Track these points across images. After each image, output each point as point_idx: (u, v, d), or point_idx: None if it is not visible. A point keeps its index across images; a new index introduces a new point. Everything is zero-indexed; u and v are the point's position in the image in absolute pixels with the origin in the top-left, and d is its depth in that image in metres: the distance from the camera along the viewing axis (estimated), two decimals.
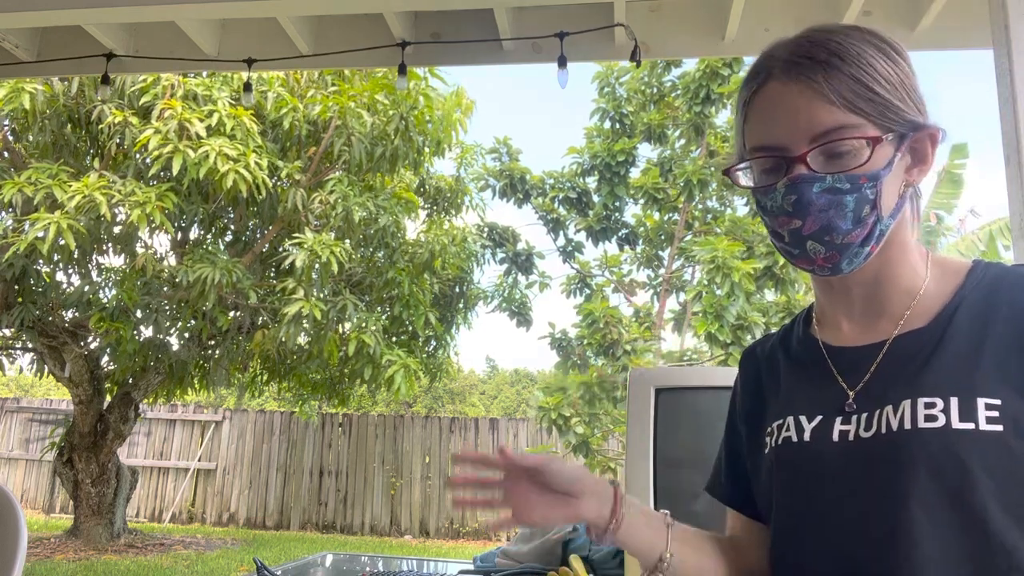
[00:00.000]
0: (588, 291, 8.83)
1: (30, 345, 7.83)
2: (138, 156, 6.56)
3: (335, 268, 6.67)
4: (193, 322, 7.38)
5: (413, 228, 8.29)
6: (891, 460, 0.80)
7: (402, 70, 3.05)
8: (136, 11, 2.66)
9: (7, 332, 7.68)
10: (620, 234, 9.02)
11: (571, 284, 8.99)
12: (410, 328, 8.09)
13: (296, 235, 6.83)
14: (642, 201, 8.60)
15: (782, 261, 7.37)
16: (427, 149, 7.57)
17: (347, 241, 7.29)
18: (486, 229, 9.25)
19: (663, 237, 8.76)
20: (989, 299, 0.85)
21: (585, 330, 7.73)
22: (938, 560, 0.76)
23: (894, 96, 0.84)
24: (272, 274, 7.99)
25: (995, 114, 1.91)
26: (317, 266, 6.78)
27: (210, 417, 11.44)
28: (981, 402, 0.77)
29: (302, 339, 7.27)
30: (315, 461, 11.08)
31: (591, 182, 9.00)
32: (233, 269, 6.64)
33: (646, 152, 8.91)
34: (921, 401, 0.80)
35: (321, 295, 7.12)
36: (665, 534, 0.92)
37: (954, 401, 0.78)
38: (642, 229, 8.86)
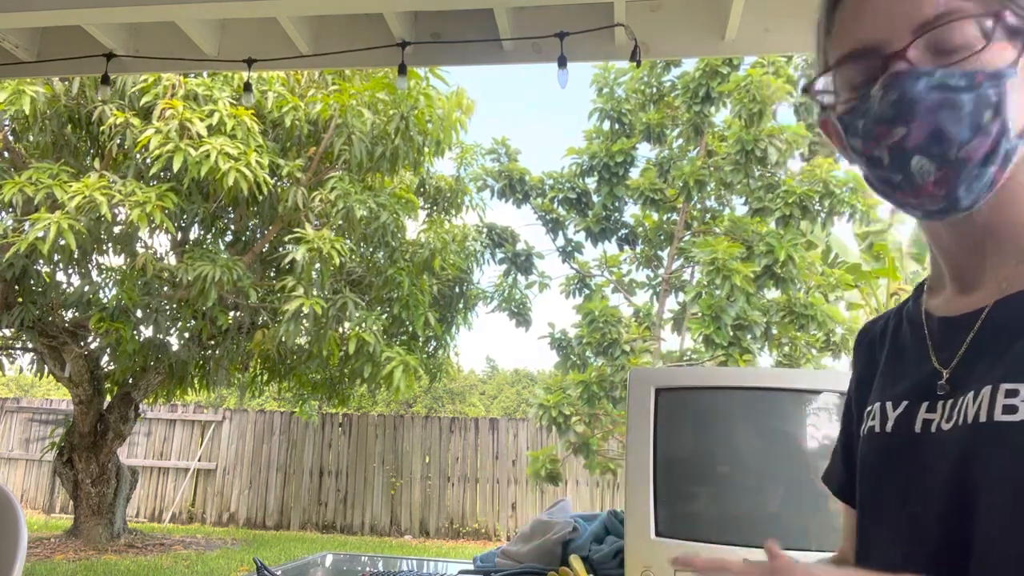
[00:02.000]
0: (588, 291, 8.84)
1: (30, 345, 7.84)
2: (138, 156, 6.57)
3: (336, 263, 6.67)
4: (193, 322, 7.38)
5: (413, 228, 8.30)
6: (959, 460, 0.69)
7: (402, 70, 3.05)
8: (136, 11, 2.66)
9: (7, 332, 7.68)
10: (619, 234, 9.03)
11: (571, 284, 8.99)
12: (410, 328, 8.09)
13: (297, 230, 6.84)
14: (640, 201, 8.61)
15: (782, 258, 7.35)
16: (427, 149, 7.58)
17: (347, 240, 7.29)
18: (485, 229, 9.25)
19: (662, 237, 8.77)
20: None
21: (584, 330, 7.74)
22: (1005, 551, 0.65)
23: None
24: (272, 274, 7.99)
25: None
26: (318, 265, 6.78)
27: (210, 417, 11.44)
28: None
29: (302, 338, 7.27)
30: (315, 461, 11.08)
31: (590, 182, 9.01)
32: (233, 267, 6.65)
33: (645, 152, 8.92)
34: (1003, 388, 0.66)
35: (321, 293, 7.12)
36: None
37: None
38: (641, 229, 8.87)
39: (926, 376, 0.77)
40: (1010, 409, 0.65)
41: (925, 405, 0.75)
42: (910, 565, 0.71)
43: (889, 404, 0.79)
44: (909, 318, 0.85)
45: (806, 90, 0.79)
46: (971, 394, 0.70)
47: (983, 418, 0.67)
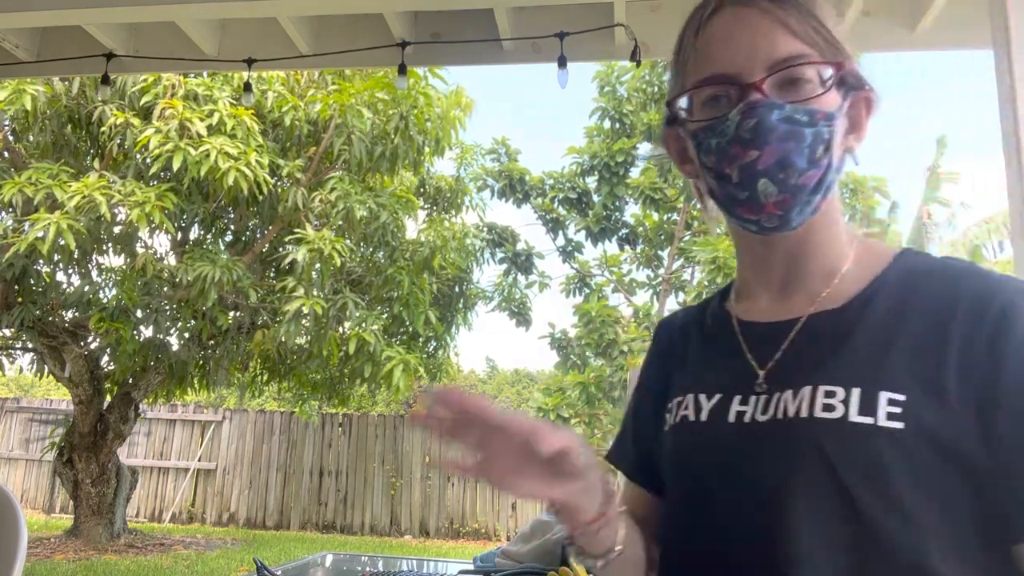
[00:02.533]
0: (588, 291, 8.85)
1: (30, 345, 7.84)
2: (138, 156, 6.57)
3: (336, 263, 6.68)
4: (193, 322, 7.38)
5: (413, 228, 8.30)
6: (781, 447, 0.76)
7: (402, 70, 3.06)
8: (136, 11, 2.66)
9: (7, 332, 7.68)
10: (620, 234, 9.03)
11: (571, 284, 9.00)
12: (410, 328, 8.09)
13: (297, 231, 6.84)
14: (641, 201, 8.61)
15: None
16: (427, 149, 7.58)
17: (347, 240, 7.30)
18: (485, 229, 9.25)
19: (663, 237, 8.77)
20: (910, 290, 0.79)
21: (583, 330, 7.74)
22: (815, 554, 0.72)
23: (840, 38, 0.80)
24: (272, 274, 7.99)
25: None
26: (318, 265, 6.78)
27: (210, 417, 11.44)
28: (884, 396, 0.72)
29: (302, 338, 7.27)
30: (315, 461, 11.08)
31: (591, 182, 9.00)
32: (233, 267, 6.65)
33: (646, 152, 8.92)
34: (822, 389, 0.75)
35: (321, 293, 7.12)
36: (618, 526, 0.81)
37: (855, 392, 0.73)
38: (641, 229, 8.87)
39: (741, 373, 0.84)
40: (828, 408, 0.74)
41: (738, 398, 0.83)
42: (730, 548, 0.78)
43: (703, 396, 0.86)
44: (717, 319, 0.93)
45: (668, 104, 0.86)
46: (790, 392, 0.78)
47: (804, 413, 0.75)
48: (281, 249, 7.30)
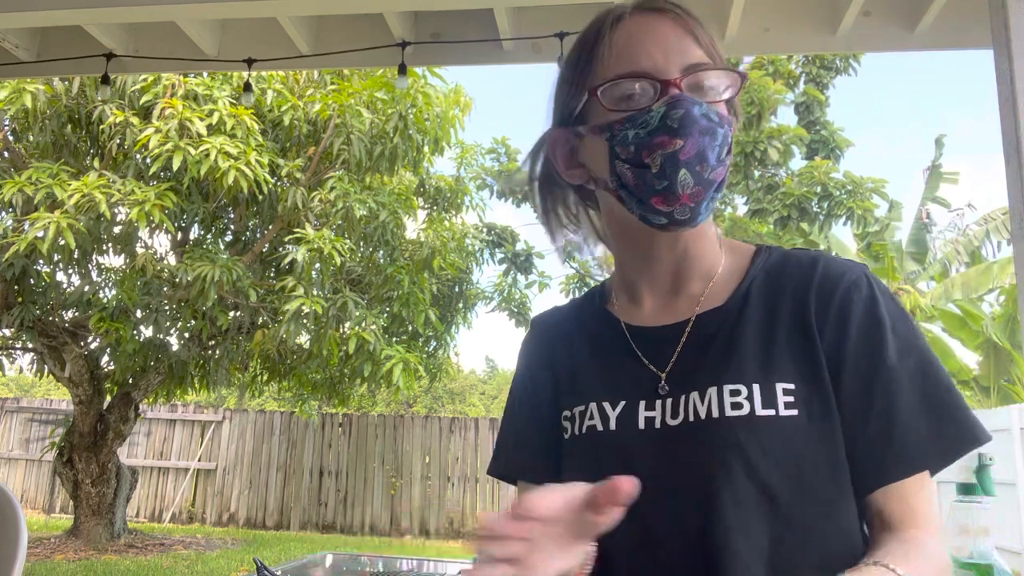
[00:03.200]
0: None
1: (30, 345, 7.83)
2: (138, 156, 6.57)
3: (336, 262, 6.67)
4: (193, 322, 7.38)
5: (413, 228, 8.30)
6: (700, 448, 0.79)
7: (402, 70, 3.06)
8: (136, 11, 2.66)
9: (7, 332, 7.68)
10: None
11: (571, 284, 9.00)
12: (410, 328, 8.09)
13: (297, 230, 6.84)
14: None
15: None
16: (426, 148, 7.58)
17: (347, 240, 7.29)
18: (484, 229, 9.25)
19: None
20: (775, 282, 0.85)
21: None
22: (741, 543, 0.75)
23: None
24: (272, 274, 7.99)
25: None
26: (318, 265, 6.78)
27: (210, 417, 11.44)
28: (779, 387, 0.78)
29: (302, 338, 7.27)
30: (315, 461, 11.08)
31: None
32: (233, 267, 6.65)
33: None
34: (727, 388, 0.79)
35: (321, 293, 7.12)
36: None
37: (756, 388, 0.78)
38: None
39: (641, 379, 0.86)
40: (736, 406, 0.78)
41: (643, 403, 0.84)
42: (661, 552, 0.79)
43: (607, 404, 0.86)
44: (602, 323, 0.93)
45: (593, 91, 0.84)
46: (696, 394, 0.81)
47: (715, 414, 0.79)
48: (281, 249, 7.30)
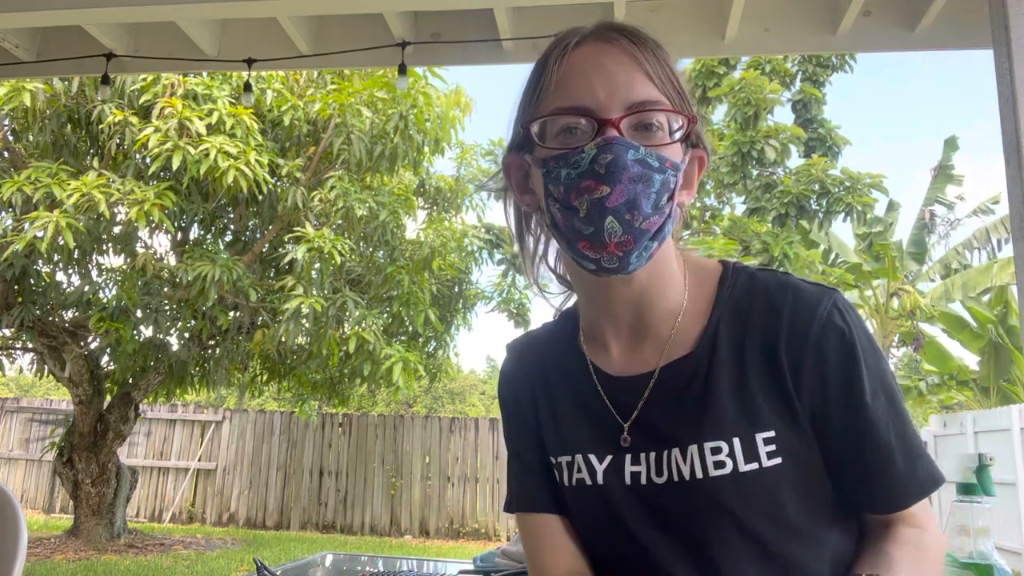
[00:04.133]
0: None
1: (30, 345, 7.83)
2: (138, 156, 6.56)
3: (336, 261, 6.67)
4: (193, 322, 7.38)
5: (413, 228, 8.30)
6: (689, 510, 0.79)
7: (402, 70, 3.06)
8: (136, 11, 2.66)
9: (7, 332, 7.68)
10: None
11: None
12: (410, 328, 8.09)
13: (297, 229, 6.84)
14: None
15: (778, 255, 7.35)
16: (427, 148, 7.58)
17: (347, 239, 7.29)
18: (483, 230, 9.25)
19: None
20: (743, 319, 0.82)
21: None
22: None
23: (686, 92, 0.82)
24: (272, 274, 7.99)
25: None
26: (317, 265, 6.78)
27: (210, 417, 11.43)
28: (759, 438, 0.77)
29: (302, 338, 7.26)
30: (315, 461, 11.08)
31: None
32: (233, 267, 6.65)
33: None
34: (707, 447, 0.78)
35: (321, 292, 7.12)
36: None
37: (737, 443, 0.77)
38: None
39: (611, 429, 0.85)
40: (719, 464, 0.77)
41: (628, 458, 0.83)
42: None
43: (593, 457, 0.85)
44: (575, 363, 0.91)
45: (526, 126, 0.82)
46: (677, 452, 0.80)
47: (699, 474, 0.78)
48: (281, 249, 7.30)
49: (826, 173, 8.25)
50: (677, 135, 0.79)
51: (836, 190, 8.10)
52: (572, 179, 0.77)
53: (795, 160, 9.02)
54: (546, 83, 0.81)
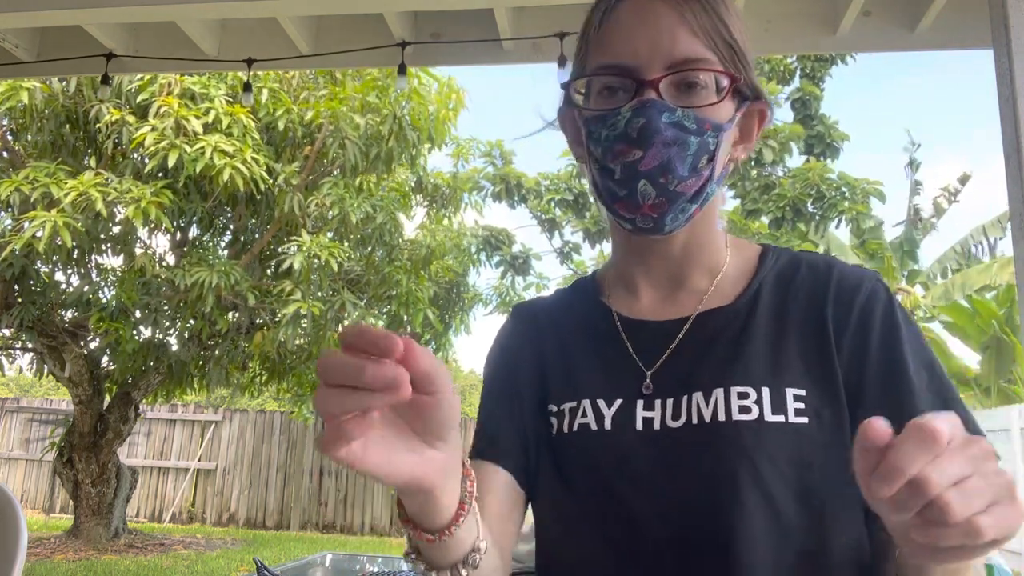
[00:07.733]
0: None
1: (30, 345, 7.83)
2: (135, 155, 6.56)
3: (334, 268, 6.67)
4: (192, 322, 7.38)
5: (411, 228, 8.29)
6: (704, 453, 0.75)
7: (402, 70, 3.06)
8: (136, 11, 2.66)
9: (7, 332, 7.68)
10: None
11: (568, 285, 9.00)
12: (409, 328, 8.08)
13: (294, 237, 6.83)
14: None
15: None
16: (422, 147, 7.56)
17: (345, 243, 7.29)
18: (481, 231, 9.24)
19: None
20: (786, 285, 0.82)
21: None
22: (748, 554, 0.72)
23: (744, 48, 0.79)
24: (271, 274, 7.99)
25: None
26: (316, 266, 6.78)
27: (210, 417, 11.44)
28: (790, 393, 0.75)
29: (301, 339, 7.26)
30: (315, 461, 11.08)
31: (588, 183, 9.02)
32: (231, 271, 6.64)
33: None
34: (735, 391, 0.76)
35: (320, 295, 7.12)
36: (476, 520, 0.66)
37: (766, 392, 0.75)
38: None
39: (632, 375, 0.82)
40: (744, 410, 0.75)
41: (641, 403, 0.80)
42: (658, 559, 0.75)
43: (601, 402, 0.81)
44: (596, 315, 0.89)
45: (564, 86, 0.83)
46: (699, 395, 0.77)
47: (722, 417, 0.75)
48: (279, 251, 7.29)
49: (823, 177, 8.25)
50: (723, 94, 0.77)
51: (832, 195, 8.11)
52: (609, 141, 0.77)
53: (796, 159, 9.02)
54: (592, 38, 0.81)
